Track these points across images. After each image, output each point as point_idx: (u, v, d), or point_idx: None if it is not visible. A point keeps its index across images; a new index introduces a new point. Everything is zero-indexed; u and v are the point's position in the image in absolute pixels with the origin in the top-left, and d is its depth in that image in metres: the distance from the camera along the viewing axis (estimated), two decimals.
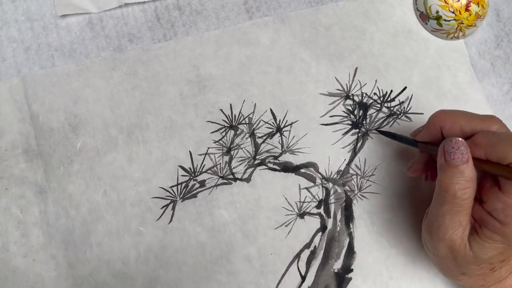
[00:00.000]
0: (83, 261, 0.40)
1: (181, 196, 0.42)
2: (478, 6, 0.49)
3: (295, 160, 0.43)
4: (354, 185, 0.44)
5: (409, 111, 0.45)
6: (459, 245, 0.33)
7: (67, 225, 0.40)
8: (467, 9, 0.48)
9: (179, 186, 0.42)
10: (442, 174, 0.34)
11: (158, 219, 0.41)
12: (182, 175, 0.42)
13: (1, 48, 0.42)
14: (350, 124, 0.44)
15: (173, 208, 0.42)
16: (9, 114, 0.41)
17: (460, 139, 0.33)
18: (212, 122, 0.43)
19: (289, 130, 0.44)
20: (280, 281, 0.42)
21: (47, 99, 0.42)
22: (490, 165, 0.32)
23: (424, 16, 0.49)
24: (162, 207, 0.42)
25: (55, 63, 0.43)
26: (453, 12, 0.48)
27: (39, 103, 0.41)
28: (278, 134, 0.45)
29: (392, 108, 0.46)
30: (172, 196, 0.42)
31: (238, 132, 0.44)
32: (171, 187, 0.42)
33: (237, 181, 0.43)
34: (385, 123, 0.46)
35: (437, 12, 0.48)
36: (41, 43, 0.43)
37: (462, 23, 0.48)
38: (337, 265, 0.42)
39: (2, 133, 0.41)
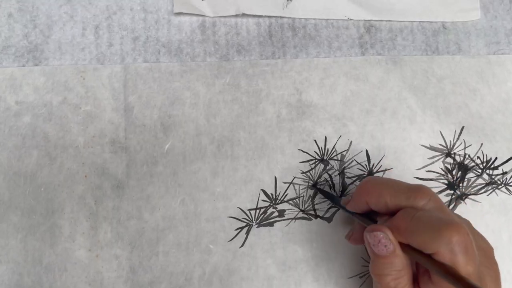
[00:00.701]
0: (146, 268, 0.32)
1: (257, 221, 0.33)
2: None
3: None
4: None
5: (511, 183, 0.37)
6: None
7: (138, 226, 0.32)
8: None
9: (258, 211, 0.33)
10: (372, 264, 0.26)
11: (230, 240, 0.33)
12: (263, 200, 0.34)
13: (111, 33, 0.36)
14: (446, 184, 0.35)
15: (247, 232, 0.33)
16: (104, 100, 0.33)
17: (379, 232, 0.25)
18: (303, 152, 0.34)
19: (383, 175, 0.38)
20: None
21: (145, 93, 0.33)
22: (414, 252, 0.24)
23: None
24: (237, 229, 0.33)
25: (159, 59, 0.35)
26: None
27: (136, 96, 0.33)
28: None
29: (493, 176, 0.36)
30: (249, 219, 0.33)
31: (327, 168, 0.38)
32: (249, 209, 0.33)
33: (318, 218, 0.34)
34: (483, 190, 0.38)
35: None
36: (150, 36, 0.37)
37: None
38: None
39: (93, 119, 0.33)
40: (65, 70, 0.33)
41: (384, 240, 0.25)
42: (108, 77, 0.34)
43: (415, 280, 0.27)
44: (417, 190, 0.26)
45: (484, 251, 0.27)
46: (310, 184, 0.35)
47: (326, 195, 0.34)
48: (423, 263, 0.25)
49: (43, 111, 0.33)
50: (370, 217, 0.29)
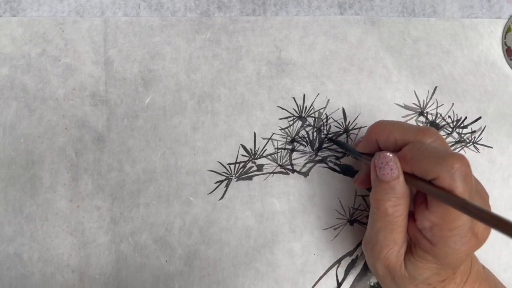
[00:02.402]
0: (127, 219, 0.31)
1: (237, 175, 0.33)
2: None
3: (357, 165, 0.35)
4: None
5: (479, 142, 0.37)
6: (395, 264, 0.27)
7: (119, 179, 0.32)
8: None
9: (237, 165, 0.33)
10: (373, 190, 0.27)
11: (210, 193, 0.33)
12: (242, 155, 0.33)
13: None
14: None
15: (227, 186, 0.33)
16: (84, 53, 0.32)
17: (389, 153, 0.26)
18: (282, 108, 0.34)
19: (357, 134, 0.35)
20: (316, 282, 0.33)
21: (125, 47, 0.32)
22: (415, 180, 0.25)
23: (510, 52, 0.41)
24: (216, 182, 0.33)
25: (140, 14, 0.35)
26: None
27: (116, 49, 0.32)
28: (345, 135, 0.38)
29: (462, 135, 0.36)
30: (228, 173, 0.33)
31: (305, 124, 0.37)
32: (229, 164, 0.33)
33: (295, 173, 0.34)
34: (452, 148, 0.39)
35: None
36: None
37: None
38: (374, 279, 0.34)
39: (73, 72, 0.32)
40: (43, 22, 0.32)
41: (391, 163, 0.25)
42: (88, 30, 0.33)
43: (410, 218, 0.27)
44: (426, 129, 0.27)
45: (480, 194, 0.27)
46: (288, 140, 0.35)
47: (338, 143, 0.33)
48: (423, 188, 0.25)
49: (21, 63, 0.32)
50: None
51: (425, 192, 0.25)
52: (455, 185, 0.23)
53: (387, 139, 0.28)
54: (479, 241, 0.25)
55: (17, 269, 0.30)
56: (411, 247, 0.27)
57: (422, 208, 0.26)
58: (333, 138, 0.34)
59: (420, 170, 0.25)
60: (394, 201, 0.26)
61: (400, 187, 0.26)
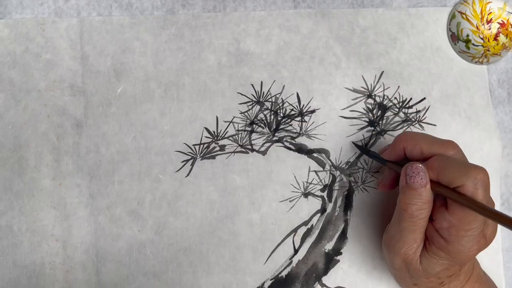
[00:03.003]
0: (104, 195, 0.35)
1: (201, 155, 0.37)
2: (506, 38, 0.44)
3: (310, 144, 0.38)
4: (359, 177, 0.38)
5: (423, 120, 0.39)
6: (412, 259, 0.31)
7: (95, 159, 0.36)
8: (495, 38, 0.44)
9: (201, 146, 0.37)
10: (402, 194, 0.30)
11: (177, 171, 0.36)
12: (206, 137, 0.37)
13: None
14: (367, 122, 0.39)
15: (192, 164, 0.37)
16: (62, 50, 0.36)
17: (420, 165, 0.29)
18: (242, 94, 0.38)
19: (310, 116, 0.38)
20: (275, 249, 0.37)
21: (99, 43, 0.36)
22: (440, 187, 0.29)
23: (454, 37, 0.44)
24: (183, 161, 0.37)
25: (112, 13, 0.37)
26: (482, 39, 0.43)
27: (91, 45, 0.36)
28: (299, 118, 0.39)
29: (408, 115, 0.39)
30: (193, 153, 0.37)
31: (263, 108, 0.40)
32: (194, 145, 0.37)
33: (254, 152, 0.37)
34: (399, 126, 0.42)
35: (468, 35, 0.43)
36: None
37: (489, 50, 0.43)
38: (329, 246, 0.38)
39: (53, 66, 0.36)
40: (26, 23, 0.36)
41: (422, 173, 0.29)
42: (66, 29, 0.37)
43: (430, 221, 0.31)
44: (449, 142, 0.31)
45: (490, 202, 0.31)
46: (247, 122, 0.38)
47: (362, 149, 0.37)
48: (448, 194, 0.29)
49: (8, 59, 0.36)
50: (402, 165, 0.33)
51: (448, 197, 0.29)
52: (477, 192, 0.28)
53: (414, 148, 0.31)
54: (487, 242, 0.30)
55: (8, 239, 0.34)
56: (426, 245, 0.30)
57: (442, 210, 0.30)
58: (359, 145, 0.38)
59: (447, 178, 0.29)
60: (419, 205, 0.29)
61: (426, 194, 0.29)
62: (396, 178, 0.34)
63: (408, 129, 0.40)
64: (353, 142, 0.38)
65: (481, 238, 0.29)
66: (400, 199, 0.31)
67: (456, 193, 0.28)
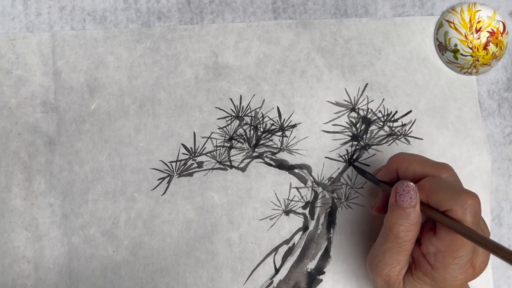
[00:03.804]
0: (77, 214, 0.34)
1: (178, 172, 0.35)
2: (496, 47, 0.42)
3: (291, 159, 0.36)
4: (342, 193, 0.36)
5: (409, 134, 0.37)
6: (394, 282, 0.29)
7: (69, 178, 0.34)
8: (485, 48, 0.42)
9: (178, 163, 0.35)
10: (390, 213, 0.29)
11: (153, 189, 0.35)
12: (183, 153, 0.35)
13: (39, 3, 0.37)
14: (351, 136, 0.37)
15: (169, 182, 0.35)
16: (34, 65, 0.34)
17: (412, 184, 0.28)
18: (220, 109, 0.36)
19: (291, 131, 0.36)
20: (255, 269, 0.35)
21: (72, 58, 0.35)
22: (429, 209, 0.28)
23: (442, 47, 0.42)
24: (159, 179, 0.35)
25: (85, 27, 0.36)
26: (471, 48, 0.41)
27: (64, 61, 0.35)
28: (280, 132, 0.37)
29: (393, 128, 0.37)
30: (170, 171, 0.35)
31: (242, 123, 0.37)
32: (170, 162, 0.35)
33: (233, 168, 0.36)
34: (384, 141, 0.40)
35: (456, 45, 0.41)
36: (76, 5, 0.37)
37: (478, 61, 0.41)
38: (311, 265, 0.36)
39: (24, 82, 0.34)
40: None
41: (412, 192, 0.28)
42: (37, 44, 0.35)
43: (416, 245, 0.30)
44: (443, 165, 0.30)
45: (483, 230, 0.30)
46: (226, 138, 0.37)
47: (359, 171, 0.36)
48: (435, 217, 0.28)
49: None
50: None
51: (436, 220, 0.28)
52: (466, 218, 0.26)
53: (407, 169, 0.30)
54: (476, 273, 0.28)
55: None
56: (412, 268, 0.29)
57: (430, 235, 0.28)
58: (356, 165, 0.37)
59: (436, 201, 0.27)
60: (406, 227, 0.28)
61: (415, 215, 0.28)
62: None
63: (394, 144, 0.38)
64: (353, 165, 0.36)
65: (469, 268, 0.28)
66: (387, 218, 0.29)
67: (445, 217, 0.27)
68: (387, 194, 0.32)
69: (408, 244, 0.29)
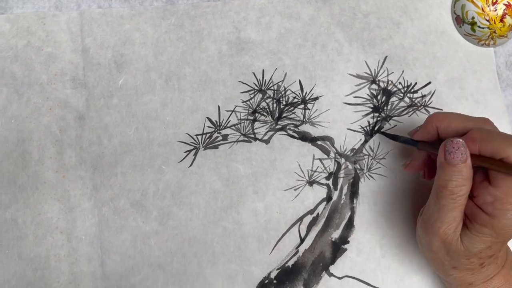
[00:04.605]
0: (107, 186, 0.35)
1: (204, 144, 0.36)
2: None
3: (314, 131, 0.37)
4: (364, 164, 0.37)
5: (429, 105, 0.38)
6: (451, 239, 0.29)
7: (98, 152, 0.35)
8: (501, 20, 0.42)
9: (204, 136, 0.36)
10: (441, 172, 0.29)
11: (180, 161, 0.36)
12: (208, 126, 0.36)
13: None
14: (372, 108, 0.37)
15: (195, 154, 0.36)
16: (63, 43, 0.35)
17: (461, 140, 0.28)
18: (243, 83, 0.37)
19: (313, 103, 0.37)
20: (280, 238, 0.35)
21: (99, 35, 0.36)
22: (483, 159, 0.28)
23: (459, 20, 0.43)
24: (185, 152, 0.36)
25: (111, 5, 0.36)
26: (488, 21, 0.42)
27: (92, 38, 0.36)
28: (302, 105, 0.38)
29: (414, 99, 0.37)
30: (196, 143, 0.36)
31: (265, 97, 0.38)
32: (196, 135, 0.36)
33: (257, 141, 0.36)
34: (405, 112, 0.40)
35: (473, 18, 0.42)
36: None
37: (495, 32, 0.42)
38: (335, 234, 0.36)
39: (54, 59, 0.35)
40: (27, 17, 0.36)
41: (462, 148, 0.28)
42: (66, 22, 0.36)
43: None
44: (484, 118, 0.30)
45: None
46: (250, 111, 0.37)
47: (390, 136, 0.35)
48: (491, 166, 0.28)
49: (10, 54, 0.35)
50: (434, 147, 0.31)
51: (491, 169, 0.28)
52: None
53: (448, 127, 0.30)
54: None
55: (13, 232, 0.34)
56: (467, 224, 0.29)
57: (484, 185, 0.29)
58: (387, 133, 0.36)
59: (491, 150, 0.27)
60: (460, 182, 0.28)
61: (466, 169, 0.28)
62: (426, 159, 0.33)
63: (414, 114, 0.38)
64: (380, 132, 0.36)
65: None
66: (439, 177, 0.29)
67: (502, 164, 0.27)
68: (422, 153, 0.32)
69: (462, 199, 0.28)
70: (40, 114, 0.35)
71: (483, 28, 0.39)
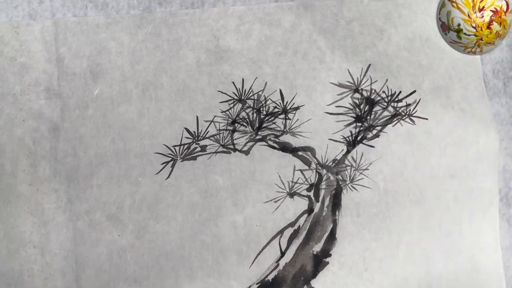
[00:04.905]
0: (82, 199, 0.34)
1: (181, 156, 0.35)
2: (500, 26, 0.41)
3: (295, 142, 0.36)
4: (347, 175, 0.36)
5: (414, 114, 0.37)
6: None
7: (73, 163, 0.34)
8: (488, 27, 0.41)
9: (182, 147, 0.35)
10: None
11: (157, 173, 0.35)
12: (186, 137, 0.35)
13: None
14: (354, 117, 0.36)
15: (172, 166, 0.35)
16: (37, 52, 0.34)
17: None
18: (222, 93, 0.36)
19: (294, 113, 0.36)
20: (260, 252, 0.35)
21: (74, 45, 0.35)
22: None
23: (445, 27, 0.42)
24: (163, 163, 0.35)
25: (87, 13, 0.36)
26: (474, 28, 0.41)
27: (66, 47, 0.35)
28: (283, 115, 0.36)
29: (398, 109, 0.37)
30: (174, 155, 0.35)
31: (245, 106, 0.36)
32: (174, 146, 0.35)
33: (236, 151, 0.35)
34: (388, 121, 0.40)
35: (459, 25, 0.41)
36: None
37: (482, 40, 0.41)
38: (317, 247, 0.35)
39: (28, 69, 0.34)
40: (0, 26, 0.35)
41: None
42: (40, 31, 0.35)
43: None
44: None
45: None
46: (229, 121, 0.36)
47: None
48: None
49: None
50: None
51: None
52: None
53: None
54: None
55: None
56: None
57: None
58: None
59: None
60: None
61: None
62: None
63: (398, 124, 0.37)
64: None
65: None
66: None
67: None
68: None
69: None
70: (13, 126, 0.34)
71: (469, 35, 0.38)
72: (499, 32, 0.38)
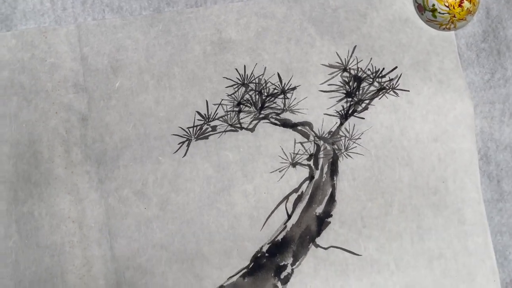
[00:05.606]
0: (111, 178, 0.39)
1: (195, 136, 0.40)
2: (470, 3, 0.46)
3: (294, 118, 0.41)
4: (342, 145, 0.41)
5: (397, 87, 0.41)
6: None
7: (101, 148, 0.39)
8: (460, 5, 0.45)
9: (195, 128, 0.40)
10: None
11: (175, 152, 0.39)
12: (198, 119, 0.40)
13: (63, 0, 0.43)
14: (345, 93, 0.41)
15: (188, 145, 0.40)
16: (64, 53, 0.40)
17: None
18: (227, 79, 0.41)
19: (292, 93, 0.41)
20: (269, 216, 0.39)
21: (96, 44, 0.40)
22: None
23: (421, 8, 0.46)
24: (179, 143, 0.40)
25: (105, 17, 0.40)
26: (447, 6, 0.45)
27: (89, 47, 0.40)
28: (282, 95, 0.41)
29: (382, 83, 0.41)
30: (188, 135, 0.40)
31: (248, 89, 0.42)
32: (188, 127, 0.40)
33: (243, 129, 0.40)
34: (375, 95, 0.45)
35: (433, 5, 0.45)
36: None
37: (454, 17, 0.45)
38: (319, 209, 0.40)
39: (57, 68, 0.39)
40: (30, 32, 0.40)
41: None
42: (65, 35, 0.40)
43: None
44: None
45: None
46: (235, 103, 0.41)
47: None
48: None
49: (17, 66, 0.40)
50: None
51: None
52: None
53: None
54: None
55: (30, 223, 0.38)
56: None
57: None
58: None
59: None
60: None
61: None
62: None
63: (384, 97, 0.42)
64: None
65: None
66: None
67: None
68: None
69: None
70: (47, 118, 0.39)
71: (443, 13, 0.43)
72: (469, 9, 0.43)
